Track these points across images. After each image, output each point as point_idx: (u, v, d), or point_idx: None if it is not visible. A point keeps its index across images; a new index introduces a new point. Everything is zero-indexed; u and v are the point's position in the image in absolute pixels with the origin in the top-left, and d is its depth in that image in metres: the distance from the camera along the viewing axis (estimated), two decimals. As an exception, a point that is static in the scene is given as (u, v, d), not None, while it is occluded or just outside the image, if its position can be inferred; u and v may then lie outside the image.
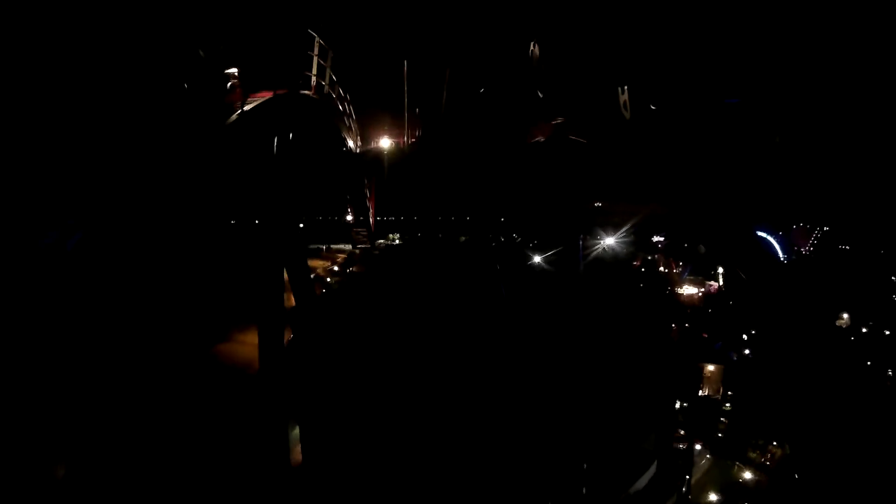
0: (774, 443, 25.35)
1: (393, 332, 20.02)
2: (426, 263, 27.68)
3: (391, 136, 23.10)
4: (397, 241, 31.54)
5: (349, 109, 17.25)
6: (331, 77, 14.52)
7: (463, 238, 32.88)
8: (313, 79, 13.46)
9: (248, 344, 14.02)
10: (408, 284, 24.26)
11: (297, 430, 16.97)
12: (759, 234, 53.06)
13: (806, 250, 60.20)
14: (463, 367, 19.40)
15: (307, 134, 13.70)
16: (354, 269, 27.14)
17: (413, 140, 23.36)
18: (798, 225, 60.75)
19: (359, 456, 16.38)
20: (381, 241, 33.13)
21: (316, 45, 13.18)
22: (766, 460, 24.88)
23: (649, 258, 38.59)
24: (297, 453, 16.18)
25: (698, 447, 24.74)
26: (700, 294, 36.97)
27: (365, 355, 18.59)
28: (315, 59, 13.22)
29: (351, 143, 17.72)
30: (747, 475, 24.21)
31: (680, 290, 36.76)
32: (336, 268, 33.02)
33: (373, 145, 22.48)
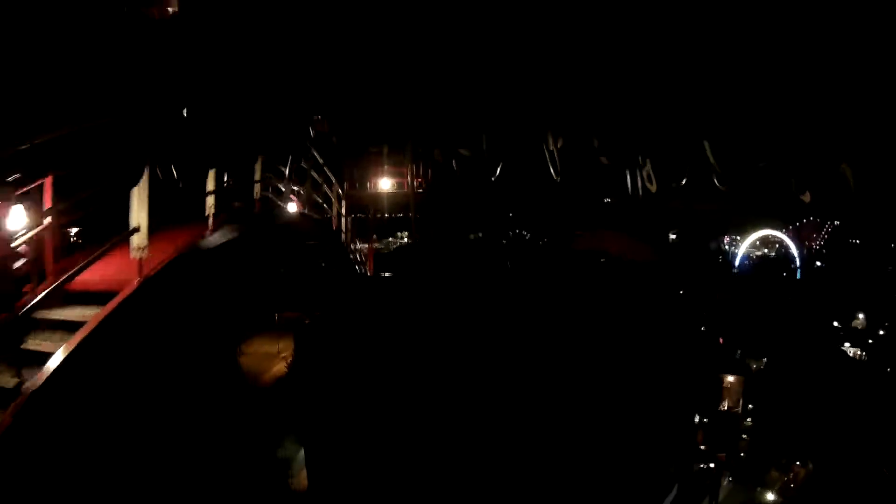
0: (797, 462, 24.35)
1: (408, 340, 18.72)
2: (437, 264, 26.26)
3: (391, 175, 21.73)
4: (406, 240, 30.19)
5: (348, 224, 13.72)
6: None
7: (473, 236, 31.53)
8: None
9: (252, 354, 13.42)
10: (420, 287, 22.93)
11: (301, 454, 15.87)
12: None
13: (816, 245, 59.15)
14: (480, 375, 18.14)
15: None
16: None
17: (420, 182, 22.09)
18: (808, 219, 59.57)
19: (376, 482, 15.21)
20: (391, 238, 31.77)
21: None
22: (788, 480, 23.91)
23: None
24: (301, 478, 15.19)
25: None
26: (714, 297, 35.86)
27: (379, 366, 17.31)
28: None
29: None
30: (770, 497, 23.25)
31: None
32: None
33: (369, 189, 20.95)
